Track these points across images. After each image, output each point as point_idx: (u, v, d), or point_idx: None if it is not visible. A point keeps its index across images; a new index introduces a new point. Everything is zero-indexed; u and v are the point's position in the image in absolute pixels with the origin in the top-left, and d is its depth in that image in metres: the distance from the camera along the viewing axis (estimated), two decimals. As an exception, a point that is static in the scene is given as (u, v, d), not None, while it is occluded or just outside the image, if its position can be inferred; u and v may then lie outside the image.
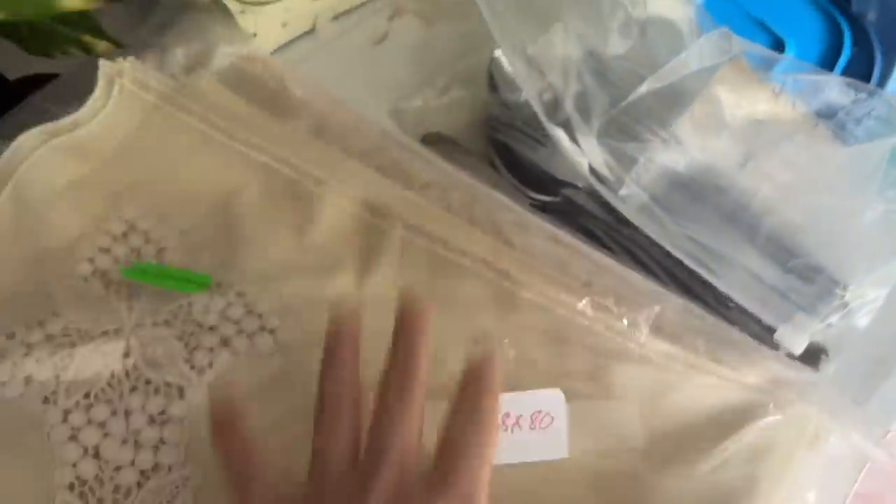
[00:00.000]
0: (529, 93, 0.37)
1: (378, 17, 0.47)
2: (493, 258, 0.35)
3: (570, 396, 0.33)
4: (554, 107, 0.39)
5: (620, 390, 0.34)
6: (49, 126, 0.37)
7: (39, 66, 0.46)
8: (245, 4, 0.42)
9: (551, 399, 0.33)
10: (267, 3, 0.42)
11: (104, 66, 0.38)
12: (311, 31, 0.46)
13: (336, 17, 0.47)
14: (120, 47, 0.41)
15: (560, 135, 0.37)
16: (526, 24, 0.39)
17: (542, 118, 0.37)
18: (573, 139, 0.38)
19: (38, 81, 0.44)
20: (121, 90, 0.38)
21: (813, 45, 0.46)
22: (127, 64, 0.38)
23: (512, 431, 0.33)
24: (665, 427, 0.34)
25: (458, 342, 0.34)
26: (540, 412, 0.33)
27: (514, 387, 0.33)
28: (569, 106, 0.38)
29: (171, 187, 0.37)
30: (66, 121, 0.37)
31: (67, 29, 0.41)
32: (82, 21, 0.41)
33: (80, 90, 0.40)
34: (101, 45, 0.41)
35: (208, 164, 0.37)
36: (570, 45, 0.39)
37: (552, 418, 0.33)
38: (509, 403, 0.33)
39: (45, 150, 0.36)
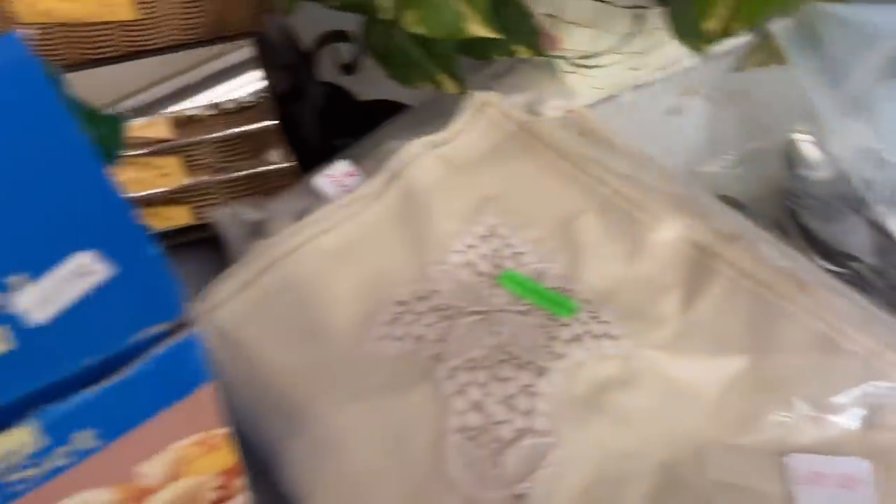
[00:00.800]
0: (851, 174, 0.42)
1: (672, 92, 0.53)
2: (816, 307, 0.39)
3: (876, 453, 0.35)
4: (863, 187, 0.43)
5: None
6: (427, 138, 0.43)
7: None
8: (575, 66, 0.49)
9: (859, 468, 0.35)
10: (595, 66, 0.49)
11: (475, 96, 0.45)
12: (613, 96, 0.53)
13: (637, 87, 0.53)
14: (464, 91, 0.47)
15: (883, 211, 0.41)
16: (842, 113, 0.44)
17: (869, 198, 0.41)
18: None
19: (384, 105, 0.51)
20: (489, 117, 0.44)
21: None
22: (494, 96, 0.45)
23: (823, 486, 0.34)
24: None
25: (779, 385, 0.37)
26: (849, 477, 0.35)
27: (825, 428, 0.36)
28: (877, 189, 0.43)
29: (524, 203, 0.42)
30: (438, 136, 0.44)
31: (435, 67, 0.48)
32: (447, 63, 0.48)
33: (426, 119, 0.47)
34: (449, 86, 0.48)
35: (555, 187, 0.43)
36: (881, 136, 0.44)
37: (859, 484, 0.34)
38: (819, 464, 0.35)
39: (427, 157, 0.43)
